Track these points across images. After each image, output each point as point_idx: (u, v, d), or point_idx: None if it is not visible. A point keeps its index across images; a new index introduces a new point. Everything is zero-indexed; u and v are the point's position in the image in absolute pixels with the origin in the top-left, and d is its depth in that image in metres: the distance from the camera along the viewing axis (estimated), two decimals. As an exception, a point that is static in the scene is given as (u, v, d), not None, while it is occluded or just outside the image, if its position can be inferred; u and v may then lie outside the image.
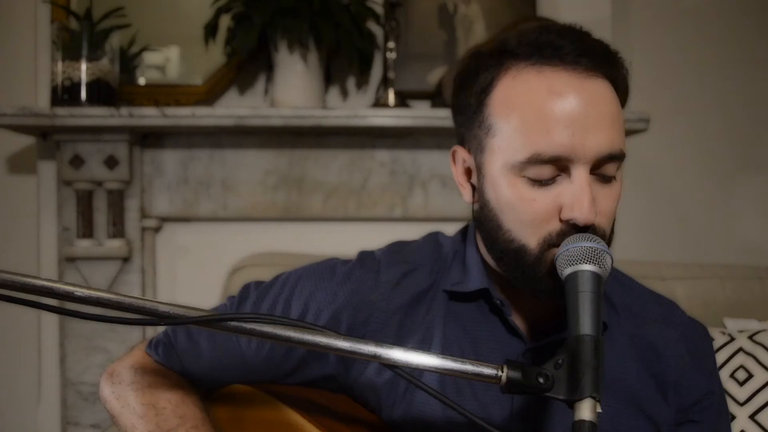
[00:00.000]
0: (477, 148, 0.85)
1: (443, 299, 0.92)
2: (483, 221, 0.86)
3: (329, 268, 0.96)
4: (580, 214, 0.77)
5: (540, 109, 0.78)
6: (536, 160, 0.78)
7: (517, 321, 0.89)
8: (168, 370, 0.96)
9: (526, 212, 0.80)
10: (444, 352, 0.88)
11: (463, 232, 0.99)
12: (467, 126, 0.87)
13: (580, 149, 0.77)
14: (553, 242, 0.79)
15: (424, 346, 0.89)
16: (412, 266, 0.95)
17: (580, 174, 0.78)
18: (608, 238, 0.82)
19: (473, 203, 0.89)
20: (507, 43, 0.83)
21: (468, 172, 0.89)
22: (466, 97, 0.86)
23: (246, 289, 0.98)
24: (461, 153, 0.89)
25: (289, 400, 0.94)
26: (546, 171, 0.78)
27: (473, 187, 0.88)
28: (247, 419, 0.94)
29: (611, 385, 0.88)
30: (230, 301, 0.98)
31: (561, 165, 0.78)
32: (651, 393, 0.90)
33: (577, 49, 0.79)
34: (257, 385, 0.96)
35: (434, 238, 1.00)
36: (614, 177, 0.82)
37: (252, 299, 0.96)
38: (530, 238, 0.80)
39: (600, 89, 0.79)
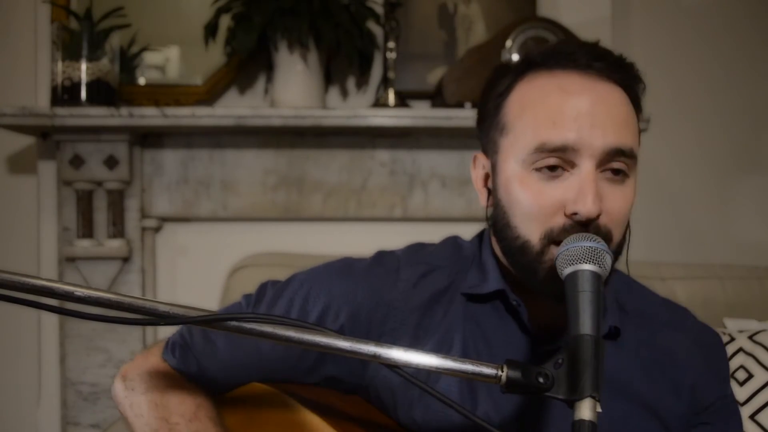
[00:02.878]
0: (492, 150, 0.88)
1: (461, 301, 0.92)
2: (495, 221, 0.88)
3: (347, 266, 0.96)
4: (583, 206, 0.78)
5: (549, 105, 0.81)
6: (542, 149, 0.80)
7: (532, 322, 0.90)
8: (183, 377, 0.95)
9: (532, 205, 0.81)
10: (465, 353, 0.89)
11: (480, 236, 0.99)
12: (486, 130, 0.90)
13: (586, 140, 0.79)
14: (553, 238, 0.80)
15: (444, 348, 0.90)
16: (432, 267, 0.95)
17: (585, 167, 0.79)
18: (618, 243, 0.83)
19: (487, 207, 0.90)
20: (529, 55, 0.87)
21: (486, 178, 0.92)
22: (486, 103, 0.90)
23: (263, 287, 0.98)
24: (481, 159, 0.92)
25: (304, 400, 0.94)
26: (552, 162, 0.80)
27: (489, 192, 0.90)
28: (261, 420, 0.94)
29: (621, 389, 0.88)
30: (246, 300, 0.98)
31: (567, 157, 0.79)
32: (664, 396, 0.90)
33: (590, 54, 0.82)
34: (273, 385, 0.96)
35: (453, 241, 1.01)
36: (627, 176, 0.82)
37: (268, 298, 0.95)
38: (533, 233, 0.82)
39: (610, 91, 0.82)
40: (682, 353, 0.92)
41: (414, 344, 0.90)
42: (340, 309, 0.91)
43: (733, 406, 0.96)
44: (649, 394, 0.89)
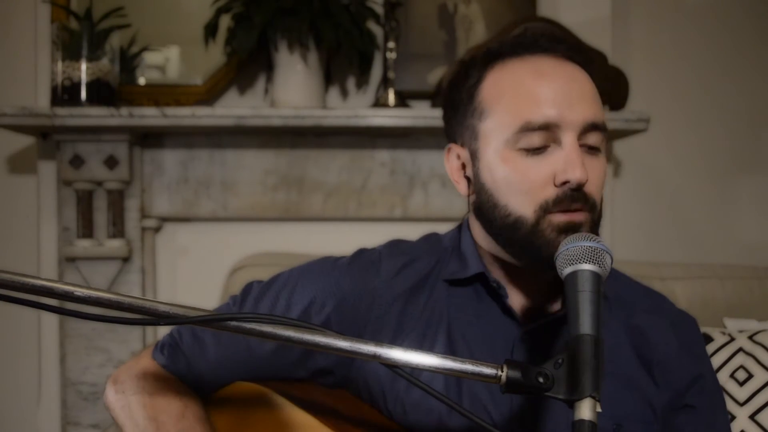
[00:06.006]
0: (471, 137, 0.91)
1: (444, 287, 0.95)
2: (480, 206, 0.90)
3: (330, 261, 0.99)
4: (573, 174, 0.82)
5: (528, 88, 0.85)
6: (527, 128, 0.84)
7: (513, 303, 0.92)
8: (172, 377, 0.96)
9: (521, 182, 0.84)
10: (450, 337, 0.91)
11: (459, 228, 1.02)
12: (460, 120, 0.93)
13: (567, 115, 0.83)
14: (549, 208, 0.83)
15: (429, 334, 0.92)
16: (412, 258, 0.98)
17: (569, 139, 0.84)
18: (599, 213, 0.87)
19: (469, 195, 0.93)
20: (491, 48, 0.91)
21: (463, 167, 0.94)
22: (458, 93, 0.93)
23: (248, 287, 0.99)
24: (455, 149, 0.95)
25: (293, 398, 0.95)
26: (537, 139, 0.84)
27: (468, 181, 0.93)
28: (251, 419, 0.94)
29: (606, 369, 0.89)
30: (233, 300, 0.99)
31: (550, 133, 0.83)
32: (643, 376, 0.92)
33: (551, 40, 0.88)
34: (264, 384, 0.96)
35: (432, 235, 1.04)
36: (599, 149, 0.87)
37: (254, 296, 0.97)
38: (526, 208, 0.84)
39: (577, 72, 0.88)
40: (656, 334, 0.94)
41: (399, 331, 0.92)
42: (326, 300, 0.93)
43: (716, 390, 0.96)
44: (631, 375, 0.91)
